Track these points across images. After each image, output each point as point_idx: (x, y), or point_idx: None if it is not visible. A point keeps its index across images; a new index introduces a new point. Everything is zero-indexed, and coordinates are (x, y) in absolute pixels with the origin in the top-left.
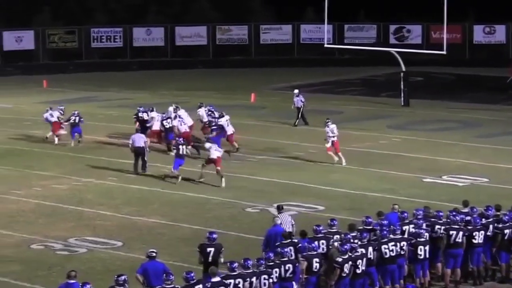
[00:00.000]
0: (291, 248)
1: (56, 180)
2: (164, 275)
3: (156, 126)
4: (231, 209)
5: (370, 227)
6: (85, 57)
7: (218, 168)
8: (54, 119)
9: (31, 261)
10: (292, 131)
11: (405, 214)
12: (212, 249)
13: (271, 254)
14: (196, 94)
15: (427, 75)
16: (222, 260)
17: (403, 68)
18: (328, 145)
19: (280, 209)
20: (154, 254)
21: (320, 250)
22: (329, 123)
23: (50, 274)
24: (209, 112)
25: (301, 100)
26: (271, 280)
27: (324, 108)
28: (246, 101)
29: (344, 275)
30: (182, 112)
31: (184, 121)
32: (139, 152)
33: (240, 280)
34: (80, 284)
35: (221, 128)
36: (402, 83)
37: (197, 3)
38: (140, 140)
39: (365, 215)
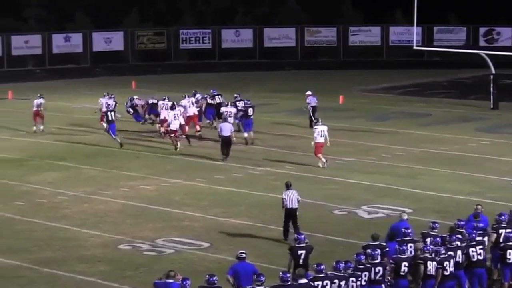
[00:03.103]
0: (379, 250)
1: (144, 181)
2: (255, 276)
3: (191, 111)
4: (318, 211)
5: (461, 230)
6: (174, 58)
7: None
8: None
9: (119, 261)
10: (380, 133)
11: (503, 217)
12: (303, 251)
13: (362, 257)
14: (284, 96)
15: None
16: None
17: (493, 71)
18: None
19: (288, 186)
20: (244, 256)
21: (408, 254)
22: (318, 124)
23: (137, 275)
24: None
25: (315, 101)
26: (359, 283)
27: (412, 110)
28: (334, 103)
29: (429, 274)
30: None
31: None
32: (226, 140)
33: (328, 282)
34: (181, 279)
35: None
36: (491, 85)
37: (285, 4)
38: (228, 129)
39: (455, 218)
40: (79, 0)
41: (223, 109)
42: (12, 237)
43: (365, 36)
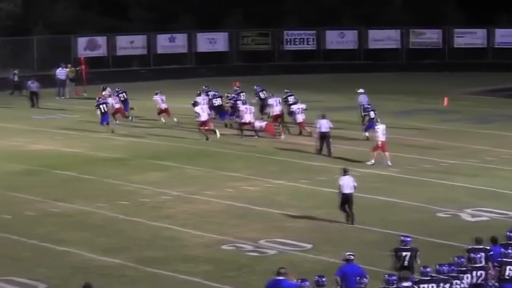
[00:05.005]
0: (483, 254)
1: (247, 181)
2: (358, 277)
3: (276, 110)
4: (420, 213)
5: None
6: (277, 59)
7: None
8: (164, 105)
9: (221, 261)
10: (484, 136)
11: None
12: (408, 253)
13: (463, 260)
14: (388, 97)
15: None
16: (419, 262)
17: None
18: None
19: (345, 171)
20: (352, 257)
21: None
22: (378, 123)
23: (240, 275)
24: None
25: (366, 100)
26: (462, 285)
27: None
28: (438, 105)
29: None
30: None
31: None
32: (324, 136)
33: (433, 285)
34: (299, 280)
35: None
36: None
37: (390, 5)
38: (326, 125)
39: None
40: (184, 1)
41: (294, 106)
42: (115, 236)
43: (470, 38)
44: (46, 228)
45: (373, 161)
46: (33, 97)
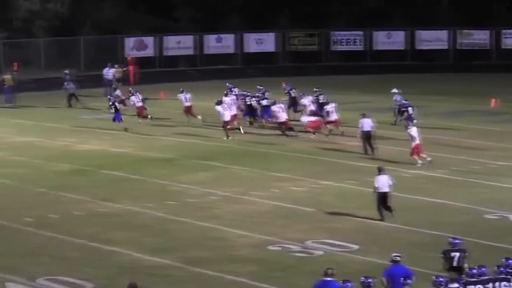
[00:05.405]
0: None
1: (293, 182)
2: (402, 279)
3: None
4: (468, 215)
5: None
6: (325, 60)
7: None
8: (188, 103)
9: (268, 262)
10: None
11: None
12: (457, 254)
13: (511, 261)
14: (436, 98)
15: None
16: (466, 265)
17: None
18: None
19: (380, 170)
20: (399, 259)
21: None
22: (410, 126)
23: (286, 276)
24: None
25: (401, 100)
26: (510, 287)
27: None
28: (486, 106)
29: None
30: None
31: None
32: (368, 136)
33: (480, 286)
34: (341, 282)
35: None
36: None
37: (439, 6)
38: (368, 124)
39: None
40: (232, 1)
41: (327, 106)
42: (163, 236)
43: None
44: (94, 228)
45: (422, 161)
46: (71, 98)
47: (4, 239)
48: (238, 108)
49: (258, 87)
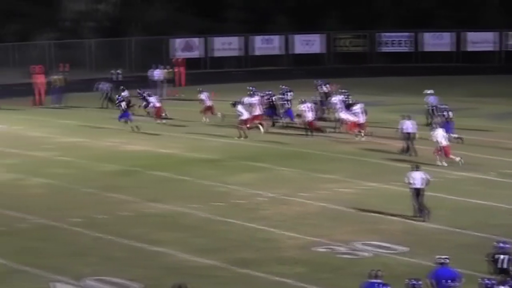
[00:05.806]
0: None
1: (341, 183)
2: (443, 280)
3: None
4: None
5: None
6: (373, 61)
7: None
8: (209, 102)
9: (315, 263)
10: None
11: None
12: (506, 257)
13: None
14: (483, 100)
15: None
16: None
17: None
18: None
19: (413, 167)
20: (446, 261)
21: None
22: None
23: (333, 277)
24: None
25: (435, 101)
26: None
27: None
28: None
29: None
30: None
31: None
32: (409, 137)
33: None
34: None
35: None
36: None
37: (487, 7)
38: (409, 125)
39: None
40: (279, 2)
41: (356, 108)
42: (210, 237)
43: None
44: (141, 228)
45: (458, 158)
46: (106, 98)
47: (52, 239)
48: (261, 108)
49: (281, 86)
